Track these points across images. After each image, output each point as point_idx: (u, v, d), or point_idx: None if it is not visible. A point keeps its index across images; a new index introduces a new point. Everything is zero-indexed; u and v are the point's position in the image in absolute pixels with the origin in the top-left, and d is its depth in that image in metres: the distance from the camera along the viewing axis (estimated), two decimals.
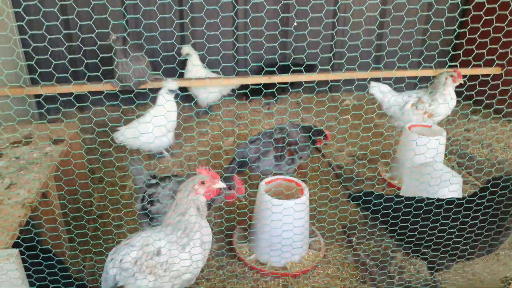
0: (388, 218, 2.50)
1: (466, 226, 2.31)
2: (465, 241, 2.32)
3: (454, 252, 2.37)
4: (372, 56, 5.32)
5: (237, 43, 5.14)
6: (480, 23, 3.98)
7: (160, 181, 2.63)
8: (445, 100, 3.84)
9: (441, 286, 2.61)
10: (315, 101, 5.17)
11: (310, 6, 4.77)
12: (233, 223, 3.16)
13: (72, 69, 4.41)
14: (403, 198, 2.54)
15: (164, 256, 2.03)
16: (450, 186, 2.81)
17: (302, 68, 4.72)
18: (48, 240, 2.52)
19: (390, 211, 2.50)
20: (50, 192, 2.60)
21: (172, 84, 3.92)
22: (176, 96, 3.95)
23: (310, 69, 5.00)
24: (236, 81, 4.79)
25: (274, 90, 5.01)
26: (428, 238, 2.39)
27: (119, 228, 3.08)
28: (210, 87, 4.67)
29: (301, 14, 5.06)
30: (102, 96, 4.46)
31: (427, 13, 5.12)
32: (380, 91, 4.08)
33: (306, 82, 5.34)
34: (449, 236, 2.34)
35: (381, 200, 2.55)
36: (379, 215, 2.57)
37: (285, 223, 2.63)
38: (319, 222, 3.20)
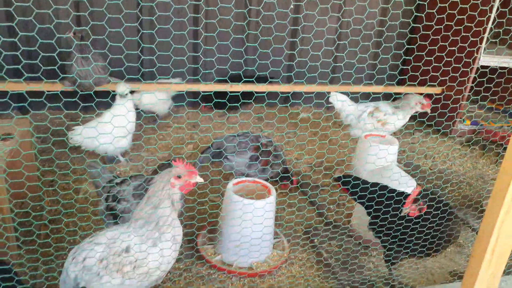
0: (372, 203, 2.66)
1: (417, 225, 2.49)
2: (416, 239, 2.50)
3: (407, 246, 2.53)
4: (330, 67, 5.63)
5: (197, 53, 5.16)
6: (428, 42, 4.41)
7: (130, 178, 2.54)
8: (403, 118, 4.18)
9: (398, 279, 2.76)
10: (276, 117, 5.32)
11: (274, 24, 5.00)
12: (196, 226, 3.11)
13: (6, 67, 4.14)
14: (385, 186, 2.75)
15: (133, 253, 1.96)
16: (407, 188, 3.02)
17: (253, 79, 4.87)
18: None
19: (374, 196, 2.67)
20: None
21: (121, 87, 3.79)
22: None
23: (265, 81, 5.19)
24: (189, 87, 4.77)
25: (238, 104, 5.10)
26: (388, 226, 2.55)
27: (73, 234, 2.90)
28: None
29: (265, 32, 5.24)
30: (43, 99, 4.21)
31: (381, 28, 5.54)
32: (339, 100, 4.30)
33: (268, 97, 5.50)
34: (404, 230, 2.51)
35: (368, 186, 2.71)
36: (364, 200, 2.74)
37: (255, 223, 2.66)
38: (281, 225, 3.26)
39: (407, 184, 3.06)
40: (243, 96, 4.98)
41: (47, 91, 4.19)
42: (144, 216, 2.01)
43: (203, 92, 5.24)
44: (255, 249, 2.75)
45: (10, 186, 2.53)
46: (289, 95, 5.70)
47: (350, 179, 2.83)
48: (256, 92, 5.27)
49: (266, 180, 3.31)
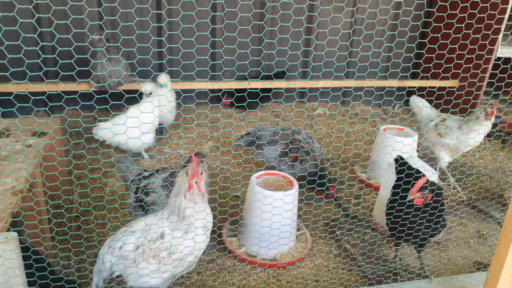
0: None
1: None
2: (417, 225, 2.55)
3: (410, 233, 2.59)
4: (345, 62, 5.64)
5: (216, 50, 5.22)
6: (440, 34, 4.40)
7: (156, 172, 2.61)
8: (469, 133, 3.61)
9: (426, 267, 2.78)
10: (293, 111, 5.36)
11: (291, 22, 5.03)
12: (223, 216, 3.18)
13: (45, 68, 4.26)
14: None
15: (168, 239, 2.01)
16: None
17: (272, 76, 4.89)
18: (27, 237, 2.38)
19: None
20: (36, 185, 2.49)
21: (146, 86, 3.89)
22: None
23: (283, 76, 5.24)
24: (217, 86, 4.84)
25: (258, 99, 5.16)
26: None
27: (102, 227, 2.99)
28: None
29: (281, 29, 5.28)
30: (76, 96, 4.32)
31: (394, 21, 5.52)
32: (417, 103, 4.12)
33: (286, 91, 5.53)
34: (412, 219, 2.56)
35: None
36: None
37: (279, 215, 2.70)
38: (305, 219, 3.30)
39: (430, 172, 3.07)
40: (261, 92, 5.04)
41: (80, 91, 4.36)
42: (169, 205, 2.07)
43: (224, 89, 5.31)
44: (279, 241, 2.79)
45: (45, 180, 2.64)
46: (306, 90, 5.72)
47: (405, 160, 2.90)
48: (274, 88, 5.30)
49: (295, 177, 3.30)
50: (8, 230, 1.97)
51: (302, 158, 3.42)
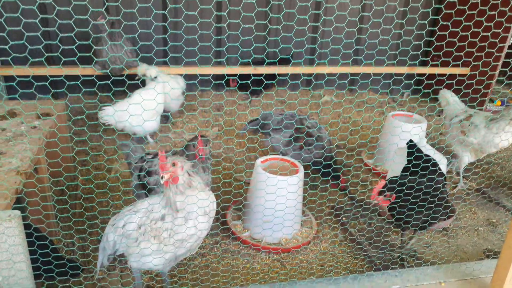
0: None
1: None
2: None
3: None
4: (353, 49, 5.54)
5: (221, 36, 5.16)
6: (450, 22, 4.29)
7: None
8: (499, 132, 3.30)
9: (412, 250, 2.82)
10: (298, 99, 5.29)
11: (297, 8, 4.94)
12: (227, 204, 3.16)
13: (47, 54, 4.24)
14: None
15: (169, 222, 1.99)
16: (441, 166, 2.97)
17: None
18: (32, 218, 2.38)
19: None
20: (41, 168, 2.47)
21: (151, 71, 3.87)
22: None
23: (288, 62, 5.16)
24: (224, 71, 4.78)
25: (261, 87, 5.09)
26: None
27: (105, 213, 2.98)
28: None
29: (287, 15, 5.19)
30: (78, 82, 4.31)
31: (404, 8, 5.40)
32: (445, 97, 3.88)
33: (291, 79, 5.46)
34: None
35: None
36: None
37: (284, 199, 2.67)
38: (310, 203, 3.26)
39: (440, 162, 3.01)
40: (266, 79, 4.97)
41: (81, 76, 4.34)
42: (165, 197, 2.03)
43: (228, 75, 5.25)
44: (283, 225, 2.76)
45: (49, 166, 2.62)
46: (312, 77, 5.65)
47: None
48: (279, 75, 5.24)
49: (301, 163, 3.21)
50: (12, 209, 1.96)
51: (308, 146, 3.35)
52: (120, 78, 4.39)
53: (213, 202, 2.09)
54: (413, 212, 2.54)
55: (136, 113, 3.44)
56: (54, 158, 2.50)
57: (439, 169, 2.68)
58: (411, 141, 2.90)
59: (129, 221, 2.02)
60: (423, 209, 2.53)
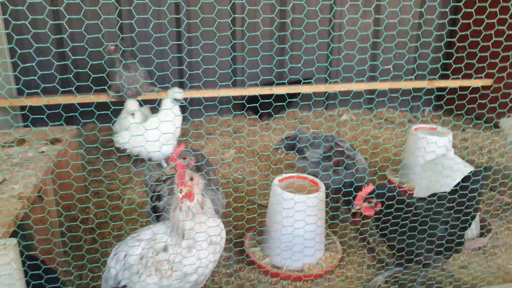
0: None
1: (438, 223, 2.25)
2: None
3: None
4: (367, 66, 5.40)
5: (234, 52, 5.10)
6: (469, 31, 4.12)
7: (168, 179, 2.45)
8: None
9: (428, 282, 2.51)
10: (311, 122, 5.14)
11: (305, 26, 4.87)
12: (241, 231, 2.97)
13: (60, 76, 4.22)
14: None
15: (170, 253, 1.83)
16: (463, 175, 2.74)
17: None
18: (37, 246, 2.23)
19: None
20: (46, 193, 2.36)
21: (178, 93, 3.80)
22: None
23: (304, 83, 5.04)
24: (234, 93, 4.69)
25: (271, 110, 4.97)
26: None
27: (118, 239, 2.82)
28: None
29: (297, 34, 5.13)
30: (92, 108, 4.27)
31: (419, 20, 5.28)
32: (508, 124, 3.78)
33: (302, 100, 5.32)
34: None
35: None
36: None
37: (305, 221, 2.47)
38: (333, 226, 3.05)
39: (461, 172, 2.77)
40: (275, 101, 4.84)
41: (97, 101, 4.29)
42: (170, 223, 1.88)
43: (235, 100, 5.16)
44: (306, 250, 2.55)
45: (59, 188, 2.50)
46: (324, 98, 5.50)
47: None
48: (289, 97, 5.08)
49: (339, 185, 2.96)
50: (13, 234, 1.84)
51: (348, 162, 3.01)
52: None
53: (223, 230, 1.92)
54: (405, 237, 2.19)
55: (153, 138, 3.32)
56: (63, 187, 2.39)
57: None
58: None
59: (130, 252, 1.88)
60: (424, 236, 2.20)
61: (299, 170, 3.38)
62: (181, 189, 1.76)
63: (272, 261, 2.67)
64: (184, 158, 2.36)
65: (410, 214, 2.21)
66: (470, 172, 2.35)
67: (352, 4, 4.98)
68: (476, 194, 2.27)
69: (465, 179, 2.34)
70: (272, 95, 4.63)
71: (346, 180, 2.94)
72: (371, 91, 5.55)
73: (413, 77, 5.49)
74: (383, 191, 2.25)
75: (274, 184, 2.69)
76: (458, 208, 2.24)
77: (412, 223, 2.19)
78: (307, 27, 5.06)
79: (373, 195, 2.25)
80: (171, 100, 3.79)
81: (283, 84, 4.93)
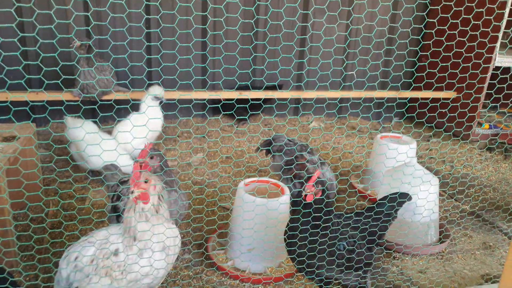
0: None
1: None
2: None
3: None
4: (342, 76, 5.51)
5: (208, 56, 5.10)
6: (432, 41, 4.28)
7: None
8: None
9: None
10: (287, 129, 5.19)
11: (282, 33, 4.94)
12: (206, 230, 2.95)
13: (27, 76, 4.11)
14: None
15: (121, 257, 1.80)
16: (422, 185, 2.84)
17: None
18: None
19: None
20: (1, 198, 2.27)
21: (159, 90, 3.78)
22: (160, 103, 3.82)
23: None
24: (207, 95, 4.68)
25: (247, 117, 5.00)
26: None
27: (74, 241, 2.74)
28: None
29: (273, 42, 5.20)
30: (62, 108, 4.16)
31: (382, 27, 5.44)
32: None
33: (277, 108, 5.38)
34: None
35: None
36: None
37: (269, 224, 2.48)
38: None
39: (430, 182, 2.88)
40: (251, 108, 4.87)
41: (66, 102, 4.15)
42: (124, 221, 1.86)
43: (210, 105, 5.16)
44: (269, 254, 2.56)
45: (10, 195, 2.39)
46: (299, 106, 5.59)
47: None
48: (264, 103, 5.15)
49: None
50: None
51: (297, 181, 3.04)
52: (107, 102, 4.24)
53: (178, 235, 1.91)
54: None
55: (139, 135, 3.29)
56: (18, 187, 2.30)
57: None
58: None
59: (82, 254, 1.83)
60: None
61: (273, 176, 3.42)
62: (133, 191, 1.74)
63: (235, 264, 2.66)
64: (152, 158, 2.34)
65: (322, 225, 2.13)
66: (395, 194, 2.41)
67: (322, 15, 5.10)
68: (388, 217, 2.32)
69: (383, 200, 2.40)
70: (247, 100, 4.66)
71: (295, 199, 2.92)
72: (339, 100, 5.67)
73: (376, 85, 5.63)
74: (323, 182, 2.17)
75: (240, 187, 2.69)
76: (364, 227, 2.26)
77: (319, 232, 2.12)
78: (287, 37, 5.16)
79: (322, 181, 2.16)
80: (152, 97, 3.78)
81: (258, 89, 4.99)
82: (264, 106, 5.21)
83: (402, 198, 2.42)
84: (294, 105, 5.63)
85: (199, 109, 5.26)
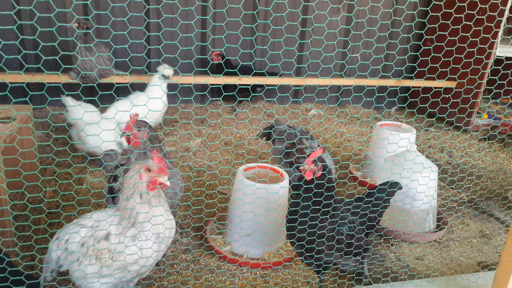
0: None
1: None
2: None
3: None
4: (335, 64, 5.45)
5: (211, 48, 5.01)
6: (434, 36, 4.22)
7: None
8: None
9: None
10: (276, 108, 5.15)
11: (286, 13, 4.81)
12: (205, 213, 2.94)
13: (24, 51, 4.01)
14: None
15: (113, 241, 1.79)
16: (423, 172, 2.83)
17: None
18: None
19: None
20: None
21: (168, 70, 3.73)
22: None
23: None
24: (215, 81, 4.60)
25: (249, 98, 4.93)
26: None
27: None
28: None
29: (275, 21, 5.11)
30: (60, 85, 4.10)
31: (387, 21, 5.37)
32: None
33: (279, 91, 5.31)
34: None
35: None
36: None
37: (268, 209, 2.47)
38: None
39: (431, 168, 2.87)
40: (253, 90, 4.81)
41: (48, 83, 4.10)
42: (120, 208, 1.84)
43: (211, 85, 5.07)
44: (267, 238, 2.56)
45: (7, 174, 2.36)
46: (302, 88, 5.50)
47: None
48: (267, 85, 5.04)
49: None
50: None
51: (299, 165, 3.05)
52: (107, 82, 4.16)
53: (172, 221, 1.89)
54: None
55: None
56: (13, 164, 2.26)
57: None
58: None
59: (72, 238, 1.82)
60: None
61: (274, 160, 3.40)
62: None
63: (233, 249, 2.66)
64: (139, 129, 2.24)
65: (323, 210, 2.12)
66: (385, 184, 2.42)
67: (323, 1, 5.02)
68: (382, 203, 2.34)
69: (380, 188, 2.41)
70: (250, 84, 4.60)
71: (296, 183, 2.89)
72: (338, 88, 5.63)
73: (377, 78, 5.60)
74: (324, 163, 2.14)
75: (239, 172, 2.67)
76: (364, 213, 2.26)
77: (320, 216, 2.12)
78: (279, 21, 5.07)
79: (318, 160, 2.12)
80: (160, 76, 3.73)
81: (262, 73, 4.90)
82: (266, 88, 5.13)
83: (392, 187, 2.41)
84: (297, 88, 5.56)
85: (199, 90, 5.19)
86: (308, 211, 2.09)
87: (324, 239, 2.09)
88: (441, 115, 5.10)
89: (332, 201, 2.13)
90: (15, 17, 4.04)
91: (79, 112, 3.23)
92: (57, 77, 3.95)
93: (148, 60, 4.63)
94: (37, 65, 4.35)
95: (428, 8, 5.16)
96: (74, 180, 3.26)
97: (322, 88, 5.03)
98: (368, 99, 5.66)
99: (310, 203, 2.08)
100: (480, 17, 4.21)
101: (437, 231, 3.00)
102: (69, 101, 3.32)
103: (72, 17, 4.16)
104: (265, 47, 5.12)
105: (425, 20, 5.34)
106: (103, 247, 1.76)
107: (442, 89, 5.07)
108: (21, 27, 4.21)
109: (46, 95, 4.34)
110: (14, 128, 2.53)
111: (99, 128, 3.14)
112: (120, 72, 4.24)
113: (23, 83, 4.11)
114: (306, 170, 2.07)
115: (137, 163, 1.87)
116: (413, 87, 5.51)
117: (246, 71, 4.72)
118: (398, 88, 5.69)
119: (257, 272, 2.53)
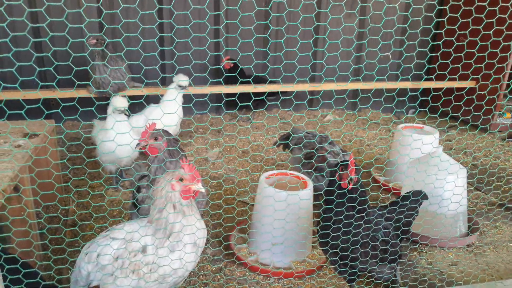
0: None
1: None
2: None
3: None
4: (351, 69, 5.39)
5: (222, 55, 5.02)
6: (454, 37, 4.13)
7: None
8: None
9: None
10: (293, 116, 5.10)
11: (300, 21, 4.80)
12: (229, 225, 2.89)
13: (39, 69, 4.06)
14: None
15: (150, 252, 1.75)
16: (449, 175, 2.74)
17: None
18: (15, 246, 2.10)
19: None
20: (22, 185, 2.23)
21: (184, 79, 3.74)
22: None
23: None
24: (228, 90, 4.59)
25: (264, 108, 4.90)
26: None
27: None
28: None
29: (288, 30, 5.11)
30: (75, 103, 4.13)
31: (403, 25, 5.30)
32: None
33: (295, 99, 5.28)
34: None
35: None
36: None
37: (292, 218, 2.41)
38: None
39: (457, 174, 2.77)
40: (266, 98, 4.78)
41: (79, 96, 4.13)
42: (151, 220, 1.80)
43: (226, 97, 5.07)
44: (296, 247, 2.49)
45: (36, 188, 2.35)
46: (319, 96, 5.46)
47: None
48: (282, 93, 5.00)
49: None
50: None
51: (332, 170, 2.93)
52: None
53: (204, 230, 1.86)
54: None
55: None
56: (40, 178, 2.26)
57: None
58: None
59: (103, 252, 1.77)
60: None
61: (293, 170, 3.33)
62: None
63: (259, 258, 2.60)
64: (156, 139, 2.20)
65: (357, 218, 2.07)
66: (409, 192, 2.35)
67: (336, 6, 4.99)
68: (417, 206, 2.29)
69: (405, 197, 2.34)
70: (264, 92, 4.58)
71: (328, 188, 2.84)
72: (355, 94, 5.56)
73: (397, 82, 5.52)
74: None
75: (261, 181, 2.62)
76: (399, 217, 2.19)
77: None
78: (301, 34, 5.06)
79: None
80: (176, 87, 3.73)
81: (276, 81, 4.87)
82: (282, 98, 5.10)
83: (416, 196, 2.32)
84: (312, 97, 5.52)
85: (213, 102, 5.18)
86: (342, 217, 2.02)
87: (359, 246, 2.02)
88: (462, 116, 4.99)
89: (366, 206, 2.06)
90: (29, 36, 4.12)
91: (111, 133, 3.13)
92: (73, 93, 4.01)
93: (162, 75, 4.65)
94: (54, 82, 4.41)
95: (447, 7, 5.08)
96: (91, 196, 3.24)
97: (339, 96, 4.97)
98: (388, 105, 5.57)
99: (343, 209, 2.02)
100: (503, 15, 4.11)
101: (468, 236, 2.89)
102: (100, 123, 3.36)
103: (89, 30, 4.23)
104: (280, 53, 5.10)
105: (444, 19, 5.23)
106: (140, 260, 1.72)
107: (464, 91, 4.96)
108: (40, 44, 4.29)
109: (61, 114, 4.38)
110: (38, 146, 2.54)
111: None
112: (137, 83, 4.28)
113: (40, 102, 4.18)
114: (350, 179, 1.99)
115: (168, 173, 1.84)
116: (433, 89, 5.41)
117: (259, 82, 4.69)
118: (418, 93, 5.60)
119: (285, 282, 2.46)
